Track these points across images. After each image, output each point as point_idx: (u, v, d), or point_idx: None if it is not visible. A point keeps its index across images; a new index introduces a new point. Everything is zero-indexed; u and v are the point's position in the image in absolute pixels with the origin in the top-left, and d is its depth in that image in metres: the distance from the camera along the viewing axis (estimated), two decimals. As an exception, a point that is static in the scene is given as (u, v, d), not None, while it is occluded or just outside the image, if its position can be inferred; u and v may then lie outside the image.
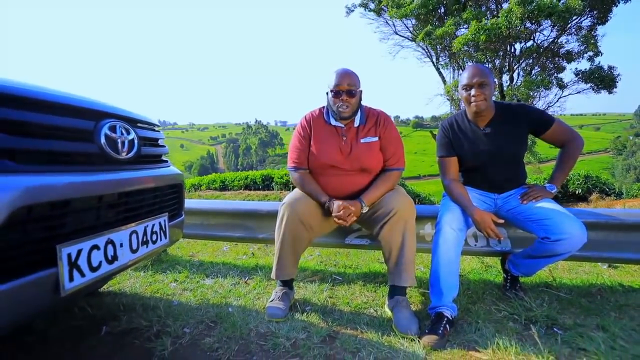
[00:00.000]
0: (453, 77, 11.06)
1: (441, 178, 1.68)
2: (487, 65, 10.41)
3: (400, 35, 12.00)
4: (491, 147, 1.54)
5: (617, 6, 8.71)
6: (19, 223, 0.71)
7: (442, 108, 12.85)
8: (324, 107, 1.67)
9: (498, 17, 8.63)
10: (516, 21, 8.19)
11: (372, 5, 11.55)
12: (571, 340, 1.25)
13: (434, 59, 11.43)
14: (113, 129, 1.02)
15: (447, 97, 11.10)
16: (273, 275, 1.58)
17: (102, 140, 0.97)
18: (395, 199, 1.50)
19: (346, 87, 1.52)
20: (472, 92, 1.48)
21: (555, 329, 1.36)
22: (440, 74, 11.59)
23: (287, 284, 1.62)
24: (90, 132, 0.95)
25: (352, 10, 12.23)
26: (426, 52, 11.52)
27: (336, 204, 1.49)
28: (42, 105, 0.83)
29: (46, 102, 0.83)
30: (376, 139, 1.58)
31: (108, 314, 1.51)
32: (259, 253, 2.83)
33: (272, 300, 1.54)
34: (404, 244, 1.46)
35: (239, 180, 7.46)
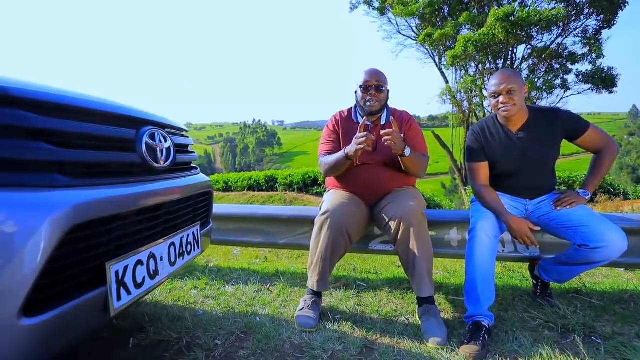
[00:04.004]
0: (455, 78, 11.10)
1: (471, 183, 1.66)
2: (487, 66, 10.43)
3: (403, 35, 11.99)
4: (524, 153, 1.51)
5: (622, 10, 8.74)
6: (73, 241, 0.67)
7: (443, 108, 12.86)
8: (351, 107, 1.76)
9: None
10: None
11: (376, 4, 11.50)
12: (614, 350, 1.23)
13: (437, 59, 11.43)
14: (152, 136, 0.98)
15: (449, 98, 11.11)
16: (314, 287, 1.52)
17: (143, 149, 0.93)
18: (402, 206, 1.46)
19: (375, 83, 1.59)
20: (501, 99, 1.46)
21: (593, 338, 1.33)
22: (442, 74, 11.60)
23: (317, 292, 1.58)
24: (132, 141, 0.90)
25: (356, 7, 12.15)
26: (429, 52, 11.51)
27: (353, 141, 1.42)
28: (88, 114, 0.78)
29: (91, 110, 0.79)
30: (401, 135, 1.61)
31: (134, 324, 1.47)
32: (271, 257, 2.79)
33: (301, 309, 1.50)
34: (417, 254, 1.43)
35: (242, 181, 7.41)
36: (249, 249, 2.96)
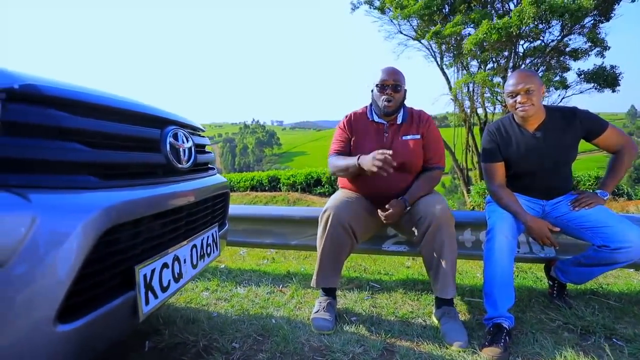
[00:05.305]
0: (457, 77, 11.08)
1: (487, 184, 1.64)
2: (488, 66, 10.43)
3: (405, 35, 11.96)
4: (542, 152, 1.49)
5: (618, 4, 8.75)
6: (105, 245, 0.65)
7: (446, 108, 12.86)
8: (366, 106, 1.71)
9: (510, 16, 8.59)
10: (528, 20, 8.14)
11: (376, 3, 11.50)
12: (638, 352, 1.22)
13: (439, 59, 11.44)
14: (175, 136, 0.96)
15: (451, 98, 11.11)
16: (313, 283, 1.54)
17: (167, 149, 0.91)
18: (432, 206, 1.44)
19: (392, 82, 1.54)
20: (518, 99, 1.45)
21: (615, 340, 1.32)
22: (444, 73, 11.60)
23: (331, 293, 1.57)
24: (157, 141, 0.88)
25: (357, 7, 12.16)
26: (430, 52, 11.52)
27: (371, 155, 1.35)
28: (118, 113, 0.76)
29: (121, 110, 0.77)
30: (418, 137, 1.60)
31: (148, 327, 1.44)
32: (278, 257, 2.78)
33: (317, 311, 1.49)
34: (443, 255, 1.41)
35: (245, 182, 7.38)
36: (255, 250, 2.93)
